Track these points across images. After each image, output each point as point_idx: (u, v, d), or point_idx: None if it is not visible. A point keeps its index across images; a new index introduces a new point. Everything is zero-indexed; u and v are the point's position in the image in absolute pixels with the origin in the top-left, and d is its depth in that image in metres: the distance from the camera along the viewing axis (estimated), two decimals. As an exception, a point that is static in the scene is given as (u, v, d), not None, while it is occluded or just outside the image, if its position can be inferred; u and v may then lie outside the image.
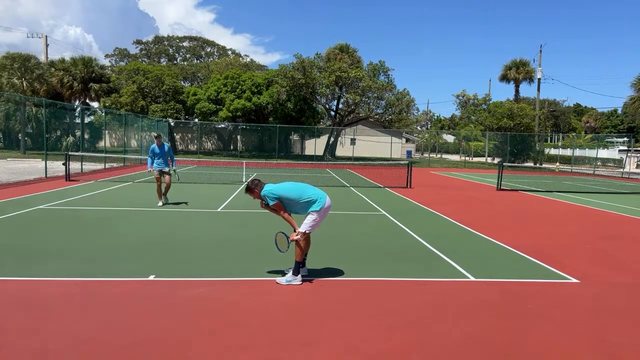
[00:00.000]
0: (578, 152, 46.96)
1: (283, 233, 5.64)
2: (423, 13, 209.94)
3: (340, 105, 40.40)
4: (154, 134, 11.95)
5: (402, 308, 4.87)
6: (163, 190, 11.09)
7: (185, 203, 11.58)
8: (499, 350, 3.97)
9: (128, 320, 4.32)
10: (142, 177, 18.60)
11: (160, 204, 10.99)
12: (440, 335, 4.23)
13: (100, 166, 22.89)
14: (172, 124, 40.80)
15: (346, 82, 36.64)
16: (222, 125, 42.41)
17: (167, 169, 11.12)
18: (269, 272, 5.88)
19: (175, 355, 3.66)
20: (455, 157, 56.13)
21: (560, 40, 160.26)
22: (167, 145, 11.25)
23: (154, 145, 11.05)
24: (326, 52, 39.92)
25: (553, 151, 52.32)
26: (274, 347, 3.87)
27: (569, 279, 6.13)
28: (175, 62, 60.90)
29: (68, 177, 16.16)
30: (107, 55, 60.53)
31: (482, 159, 48.07)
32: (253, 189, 5.55)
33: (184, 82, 51.18)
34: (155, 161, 11.07)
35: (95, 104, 39.70)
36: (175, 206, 11.11)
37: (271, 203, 5.47)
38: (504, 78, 44.80)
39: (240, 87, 38.82)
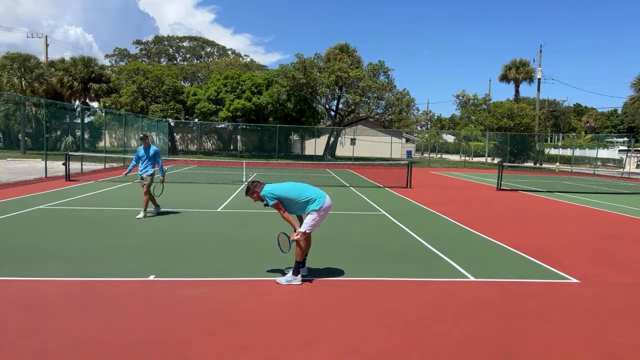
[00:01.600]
0: (578, 152, 46.97)
1: (285, 234, 5.64)
2: (423, 13, 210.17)
3: (340, 105, 40.41)
4: (140, 134, 10.88)
5: (402, 308, 4.87)
6: (148, 198, 9.60)
7: (176, 212, 10.17)
8: (499, 350, 3.97)
9: (128, 320, 4.32)
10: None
11: (140, 215, 9.31)
12: (440, 335, 4.23)
13: (100, 166, 22.89)
14: (172, 124, 40.80)
15: (346, 82, 36.64)
16: (222, 125, 42.42)
17: (148, 174, 9.58)
18: (269, 271, 5.88)
19: (175, 355, 3.66)
20: (455, 157, 56.14)
21: (560, 40, 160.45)
22: (154, 148, 9.79)
23: (140, 147, 9.82)
24: (326, 52, 39.92)
25: (553, 151, 52.34)
26: (274, 347, 3.87)
27: (569, 279, 6.13)
28: (175, 62, 60.89)
29: (68, 177, 16.17)
30: (107, 55, 60.57)
31: (482, 159, 48.07)
32: (253, 190, 5.55)
33: (184, 82, 51.19)
34: (140, 165, 9.72)
35: (95, 104, 39.73)
36: (175, 206, 11.07)
37: (270, 203, 5.47)
38: (504, 78, 44.82)
39: (240, 87, 38.83)
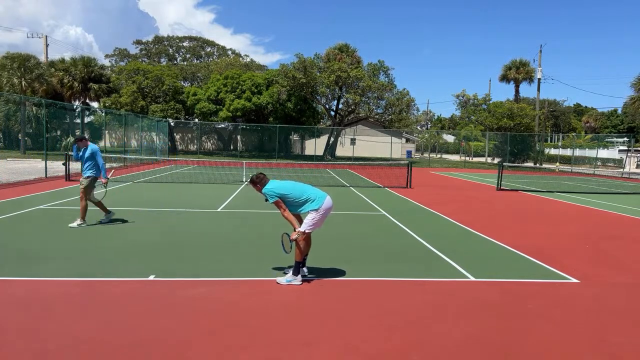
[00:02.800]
0: (578, 152, 46.97)
1: (287, 234, 5.65)
2: (423, 13, 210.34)
3: (340, 105, 40.40)
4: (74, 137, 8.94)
5: (402, 308, 4.87)
6: (85, 205, 8.54)
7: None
8: (499, 350, 3.97)
9: (128, 320, 4.32)
10: (142, 177, 18.61)
11: (74, 224, 8.32)
12: (440, 335, 4.23)
13: (100, 166, 22.84)
14: (172, 124, 40.80)
15: (346, 82, 36.64)
16: (222, 125, 42.42)
17: (85, 176, 8.63)
18: (269, 271, 5.88)
19: (175, 355, 3.66)
20: (455, 157, 56.14)
21: (560, 40, 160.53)
22: (92, 147, 8.70)
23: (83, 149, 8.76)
24: (326, 52, 39.93)
25: (553, 151, 52.34)
26: (274, 347, 3.87)
27: (569, 279, 6.13)
28: (175, 62, 60.87)
29: (68, 177, 16.16)
30: (107, 56, 60.56)
31: (482, 159, 48.06)
32: (257, 183, 5.58)
33: (184, 82, 51.17)
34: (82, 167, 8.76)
35: (95, 104, 39.74)
36: (175, 206, 11.08)
37: (271, 201, 5.48)
38: (504, 78, 44.85)
39: (240, 87, 38.83)
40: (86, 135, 9.62)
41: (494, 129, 40.37)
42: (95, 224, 8.53)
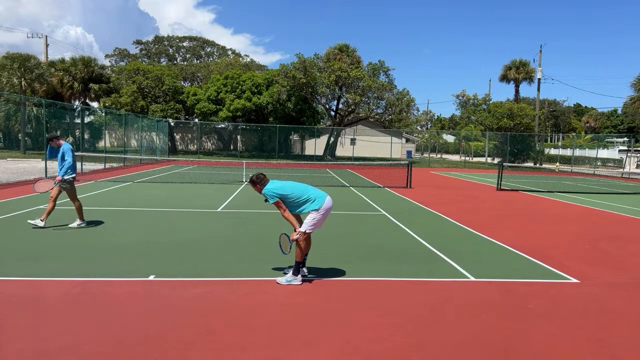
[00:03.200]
0: (578, 152, 46.98)
1: (286, 234, 5.64)
2: (423, 13, 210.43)
3: (340, 105, 40.40)
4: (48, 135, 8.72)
5: (402, 308, 4.87)
6: (78, 204, 8.49)
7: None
8: (499, 350, 3.97)
9: (128, 320, 4.32)
10: (142, 177, 18.61)
11: (36, 222, 8.13)
12: (440, 335, 4.23)
13: (100, 166, 22.89)
14: (172, 124, 40.80)
15: (346, 82, 36.64)
16: (222, 125, 42.43)
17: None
18: (269, 271, 5.88)
19: (176, 355, 3.66)
20: (455, 157, 56.16)
21: (561, 41, 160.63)
22: (64, 147, 8.39)
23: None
24: (326, 52, 39.92)
25: (553, 151, 52.36)
26: (274, 347, 3.87)
27: (569, 279, 6.13)
28: (175, 62, 60.85)
29: (68, 177, 16.14)
30: (107, 55, 60.53)
31: (482, 159, 48.08)
32: (256, 183, 5.56)
33: (184, 82, 51.14)
34: (58, 167, 8.50)
35: (95, 104, 39.74)
36: (176, 206, 11.08)
37: (272, 201, 5.48)
38: (504, 78, 44.87)
39: (240, 87, 38.83)
40: (58, 134, 9.27)
41: (494, 129, 40.38)
42: (93, 225, 8.53)
